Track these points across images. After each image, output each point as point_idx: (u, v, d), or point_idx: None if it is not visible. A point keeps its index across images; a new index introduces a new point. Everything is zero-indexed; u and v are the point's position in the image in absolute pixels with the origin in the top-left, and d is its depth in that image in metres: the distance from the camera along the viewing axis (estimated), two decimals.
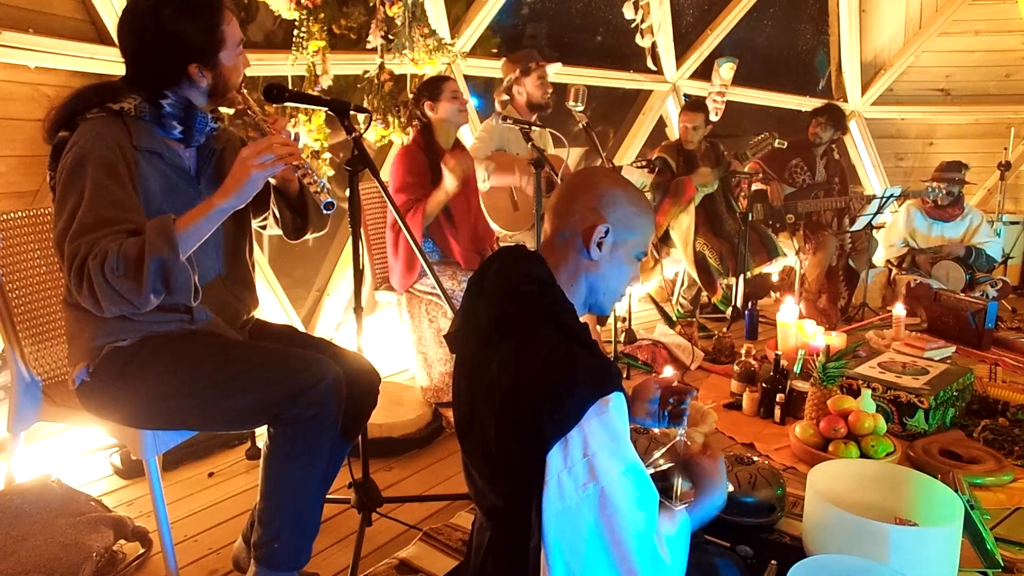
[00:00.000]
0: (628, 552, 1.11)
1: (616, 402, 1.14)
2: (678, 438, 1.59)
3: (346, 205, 1.95)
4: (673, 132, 5.29)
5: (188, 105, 1.66)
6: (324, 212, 1.66)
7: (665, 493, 1.87)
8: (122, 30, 1.63)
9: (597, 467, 1.10)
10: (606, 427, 1.12)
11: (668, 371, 1.70)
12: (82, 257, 1.46)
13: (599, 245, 1.29)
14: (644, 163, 3.53)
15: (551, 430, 1.10)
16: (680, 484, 1.41)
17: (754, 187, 4.33)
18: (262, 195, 1.81)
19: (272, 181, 1.79)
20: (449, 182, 2.82)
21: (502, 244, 3.46)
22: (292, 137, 1.66)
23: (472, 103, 3.86)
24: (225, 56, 1.65)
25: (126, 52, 1.64)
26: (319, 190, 1.64)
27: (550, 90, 3.56)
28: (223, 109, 1.83)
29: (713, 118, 4.89)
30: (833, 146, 4.71)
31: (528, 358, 1.16)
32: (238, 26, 1.69)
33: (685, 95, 5.28)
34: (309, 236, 1.93)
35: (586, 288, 1.33)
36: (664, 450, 1.49)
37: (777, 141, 4.20)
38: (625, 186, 1.35)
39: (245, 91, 1.74)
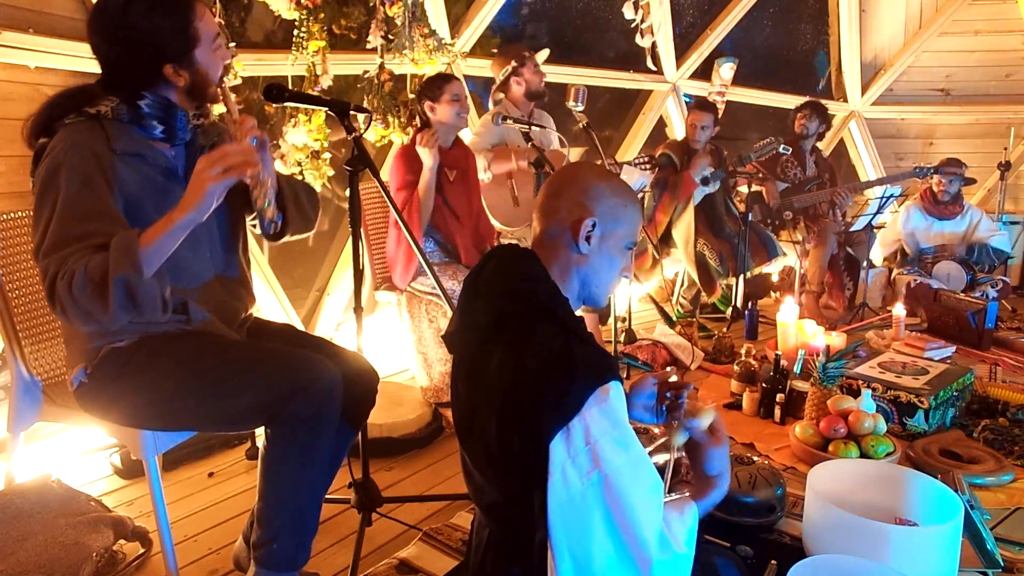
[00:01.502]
0: (638, 538, 1.12)
1: (615, 391, 1.15)
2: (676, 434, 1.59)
3: (346, 205, 1.93)
4: (673, 132, 5.29)
5: (167, 104, 1.62)
6: (267, 230, 1.59)
7: None
8: (91, 32, 1.59)
9: (600, 454, 1.11)
10: (607, 415, 1.13)
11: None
12: (52, 276, 1.45)
13: (587, 239, 1.30)
14: (645, 158, 3.52)
15: (552, 421, 1.12)
16: (670, 479, 1.40)
17: (751, 189, 4.34)
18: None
19: (248, 181, 1.76)
20: (425, 155, 2.85)
21: (502, 240, 3.46)
22: (256, 143, 1.58)
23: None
24: (200, 53, 1.61)
25: (98, 54, 1.60)
26: (265, 206, 1.56)
27: (545, 77, 3.63)
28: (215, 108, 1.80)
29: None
30: (818, 144, 4.77)
31: (527, 354, 1.17)
32: (212, 20, 1.64)
33: (686, 95, 5.28)
34: (294, 237, 1.89)
35: (578, 282, 1.34)
36: (657, 444, 1.49)
37: (782, 147, 4.19)
38: (609, 178, 1.36)
39: (226, 86, 1.69)
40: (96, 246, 1.46)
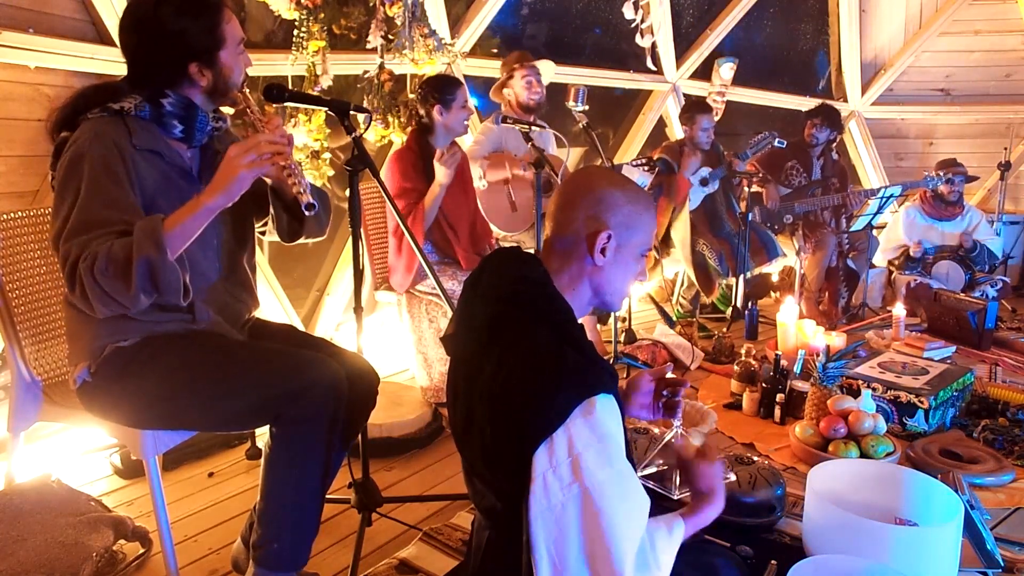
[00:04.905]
0: (610, 555, 1.10)
1: (604, 403, 1.13)
2: (674, 430, 1.59)
3: (346, 205, 1.93)
4: (673, 132, 5.29)
5: (189, 104, 1.66)
6: (305, 213, 1.61)
7: (663, 491, 1.87)
8: (123, 29, 1.64)
9: (582, 467, 1.10)
10: (592, 427, 1.11)
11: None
12: (73, 259, 1.47)
13: (603, 251, 1.28)
14: (643, 161, 3.51)
15: (537, 429, 1.10)
16: (678, 477, 1.40)
17: (751, 189, 4.33)
18: (262, 197, 1.81)
19: (268, 181, 1.79)
20: (441, 174, 2.82)
21: (501, 244, 3.46)
22: (285, 137, 1.62)
23: (473, 102, 3.84)
24: (225, 55, 1.65)
25: (127, 51, 1.65)
26: (301, 191, 1.59)
27: (538, 91, 3.51)
28: (224, 108, 1.83)
29: (714, 118, 4.88)
30: (832, 147, 4.71)
31: (519, 359, 1.16)
32: (239, 25, 1.69)
33: (684, 95, 5.27)
34: (307, 241, 1.91)
35: (590, 291, 1.32)
36: (659, 448, 1.49)
37: (777, 140, 4.19)
38: (623, 185, 1.34)
39: (247, 90, 1.74)
40: (119, 232, 1.48)
